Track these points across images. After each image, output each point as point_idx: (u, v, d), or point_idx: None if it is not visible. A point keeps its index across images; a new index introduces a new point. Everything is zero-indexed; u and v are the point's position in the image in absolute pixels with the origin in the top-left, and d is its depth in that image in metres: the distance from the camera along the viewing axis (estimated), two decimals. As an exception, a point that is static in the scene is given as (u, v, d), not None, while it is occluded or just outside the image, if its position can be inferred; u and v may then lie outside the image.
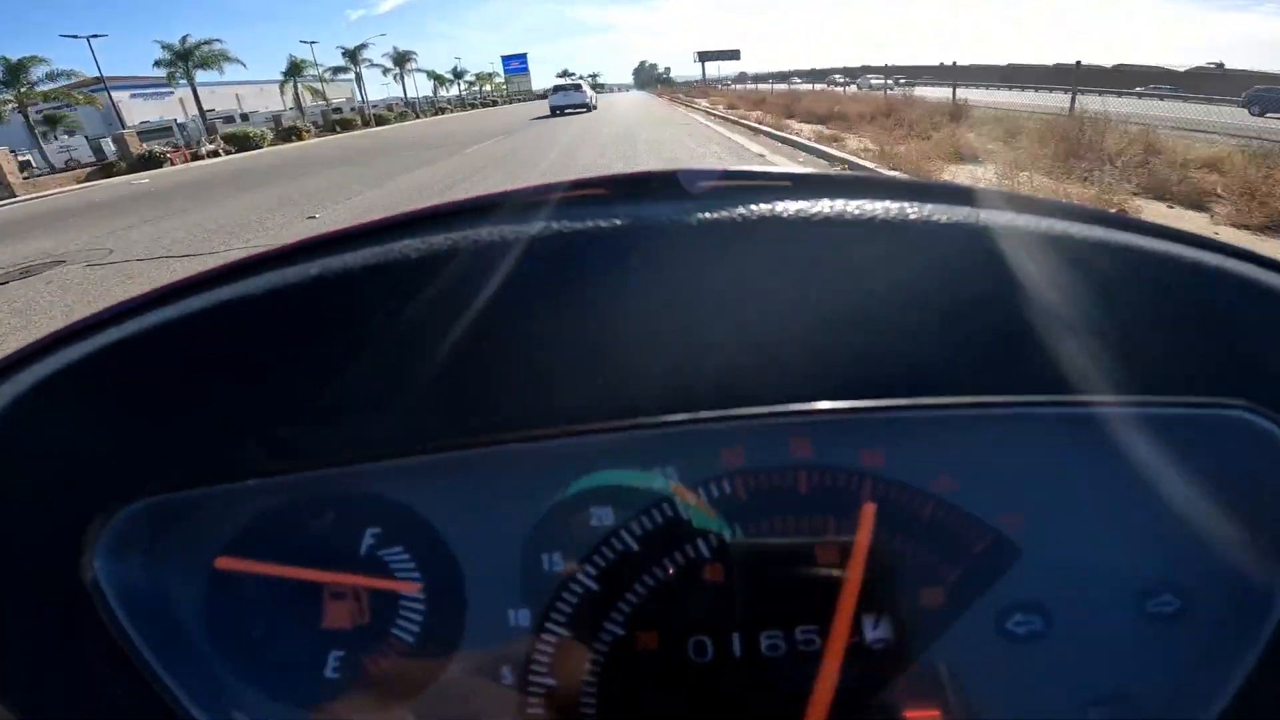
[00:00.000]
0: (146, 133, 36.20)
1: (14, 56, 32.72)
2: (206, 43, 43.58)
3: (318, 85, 59.92)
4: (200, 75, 45.46)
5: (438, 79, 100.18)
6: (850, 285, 0.30)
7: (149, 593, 0.32)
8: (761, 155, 9.45)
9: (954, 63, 12.83)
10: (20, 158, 30.34)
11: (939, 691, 0.31)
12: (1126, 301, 0.29)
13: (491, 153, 13.67)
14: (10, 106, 33.25)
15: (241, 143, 32.46)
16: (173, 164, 28.47)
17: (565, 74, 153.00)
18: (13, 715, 0.30)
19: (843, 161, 7.95)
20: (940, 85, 15.56)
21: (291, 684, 0.33)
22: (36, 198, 18.28)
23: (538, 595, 0.33)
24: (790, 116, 14.85)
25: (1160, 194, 5.50)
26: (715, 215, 0.30)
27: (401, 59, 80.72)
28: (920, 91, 13.64)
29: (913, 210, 0.30)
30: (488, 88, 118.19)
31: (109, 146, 30.00)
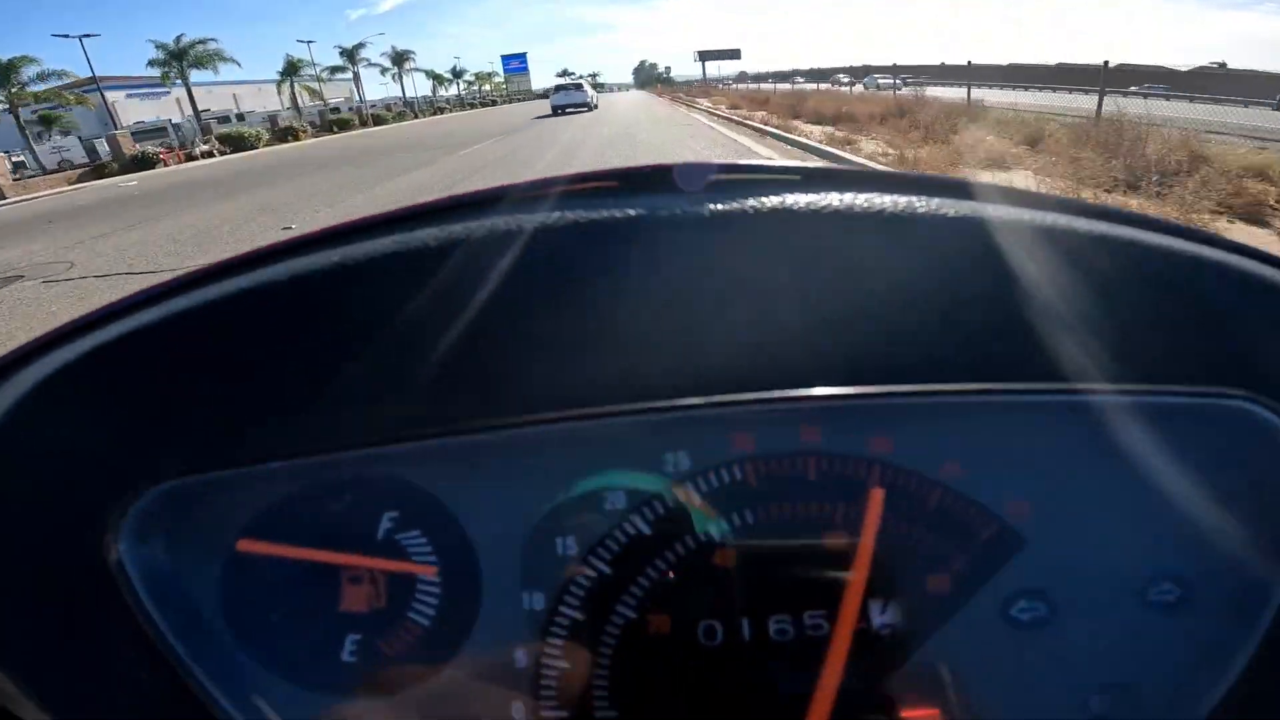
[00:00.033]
0: (141, 133, 35.73)
1: (4, 56, 32.23)
2: (201, 42, 43.10)
3: (315, 85, 59.42)
4: (196, 75, 45.08)
5: (436, 78, 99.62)
6: (860, 275, 0.30)
7: (171, 576, 0.32)
8: (770, 160, 8.96)
9: (968, 62, 12.33)
10: (14, 158, 29.95)
11: (939, 691, 0.32)
12: (1130, 294, 0.30)
13: (490, 154, 13.28)
14: (1, 107, 32.74)
15: (237, 143, 32.03)
16: (166, 165, 28.03)
17: (565, 73, 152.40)
18: (37, 701, 0.31)
19: (859, 167, 7.49)
20: (948, 85, 15.09)
21: (308, 667, 0.33)
22: (25, 200, 17.83)
23: (551, 579, 0.33)
24: (796, 117, 14.37)
25: (1253, 215, 4.86)
26: (728, 206, 0.31)
27: (400, 58, 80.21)
28: (932, 92, 13.14)
29: (921, 204, 0.31)
30: (487, 87, 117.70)
31: (103, 147, 29.47)
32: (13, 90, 32.33)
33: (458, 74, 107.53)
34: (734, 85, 42.52)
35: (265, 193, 10.81)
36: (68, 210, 12.30)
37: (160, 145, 31.04)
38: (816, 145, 9.41)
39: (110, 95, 58.74)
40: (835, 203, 0.31)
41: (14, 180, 22.12)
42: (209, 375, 0.31)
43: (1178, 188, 5.12)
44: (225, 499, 0.33)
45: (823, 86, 23.43)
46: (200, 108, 48.52)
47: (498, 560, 0.33)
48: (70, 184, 24.40)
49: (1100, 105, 8.44)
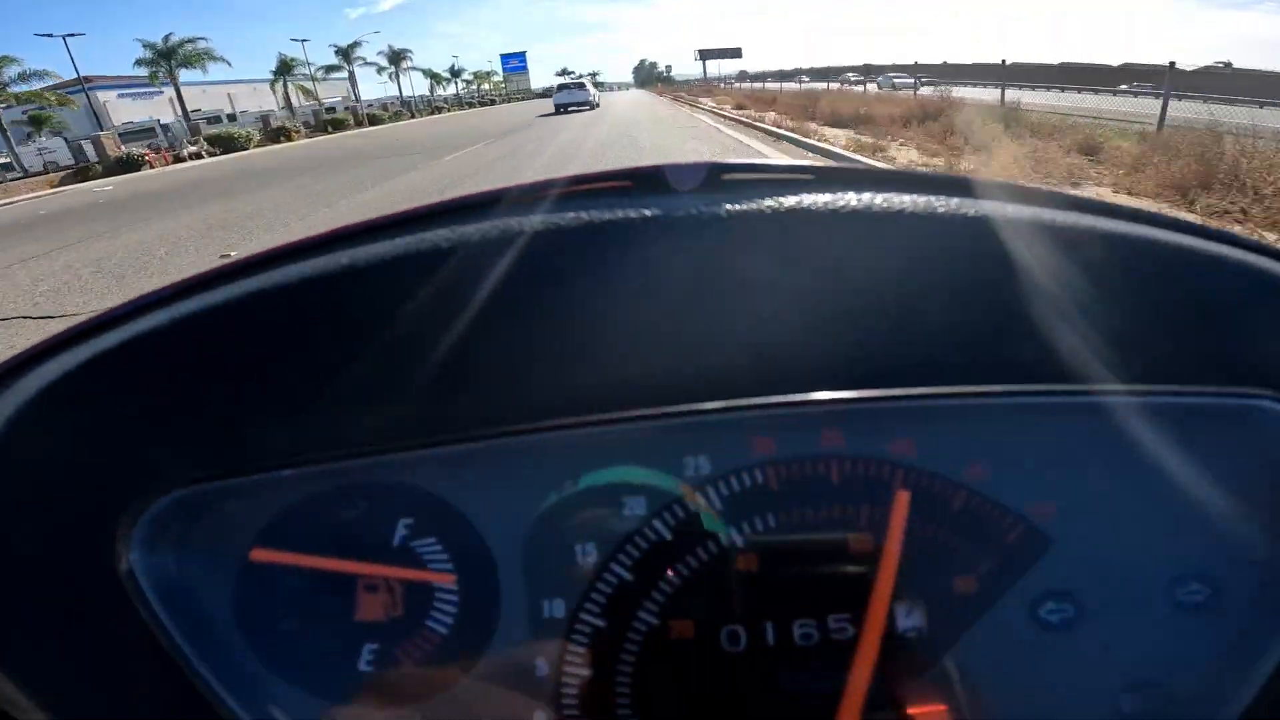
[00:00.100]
0: (129, 134, 34.84)
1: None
2: (190, 41, 42.14)
3: (309, 84, 58.41)
4: (190, 75, 44.20)
5: (434, 77, 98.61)
6: (880, 276, 0.30)
7: (182, 584, 0.32)
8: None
9: (1003, 61, 11.34)
10: (1, 159, 29.00)
11: (947, 688, 0.31)
12: (1152, 294, 0.30)
13: (482, 158, 12.34)
14: (-19, 108, 31.79)
15: (226, 144, 31.22)
16: (152, 167, 27.23)
17: (564, 72, 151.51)
18: (48, 711, 0.30)
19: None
20: (966, 85, 14.08)
21: (325, 677, 0.33)
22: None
23: (571, 586, 0.33)
24: (810, 118, 13.37)
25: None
26: (744, 207, 0.31)
27: (396, 57, 79.22)
28: (959, 93, 12.16)
29: (940, 204, 0.31)
30: (486, 86, 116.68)
31: (90, 149, 28.49)
32: (-8, 91, 31.38)
33: (456, 73, 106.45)
34: (736, 84, 41.47)
35: (225, 205, 9.87)
36: (26, 220, 11.41)
37: (148, 146, 30.22)
38: (842, 152, 8.45)
39: (102, 95, 57.83)
40: (854, 203, 0.31)
41: (-7, 183, 21.21)
42: (217, 381, 0.30)
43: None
44: (237, 507, 0.33)
45: (832, 86, 22.37)
46: (196, 108, 47.79)
47: (517, 567, 0.33)
48: (52, 187, 23.57)
49: (1164, 112, 7.44)
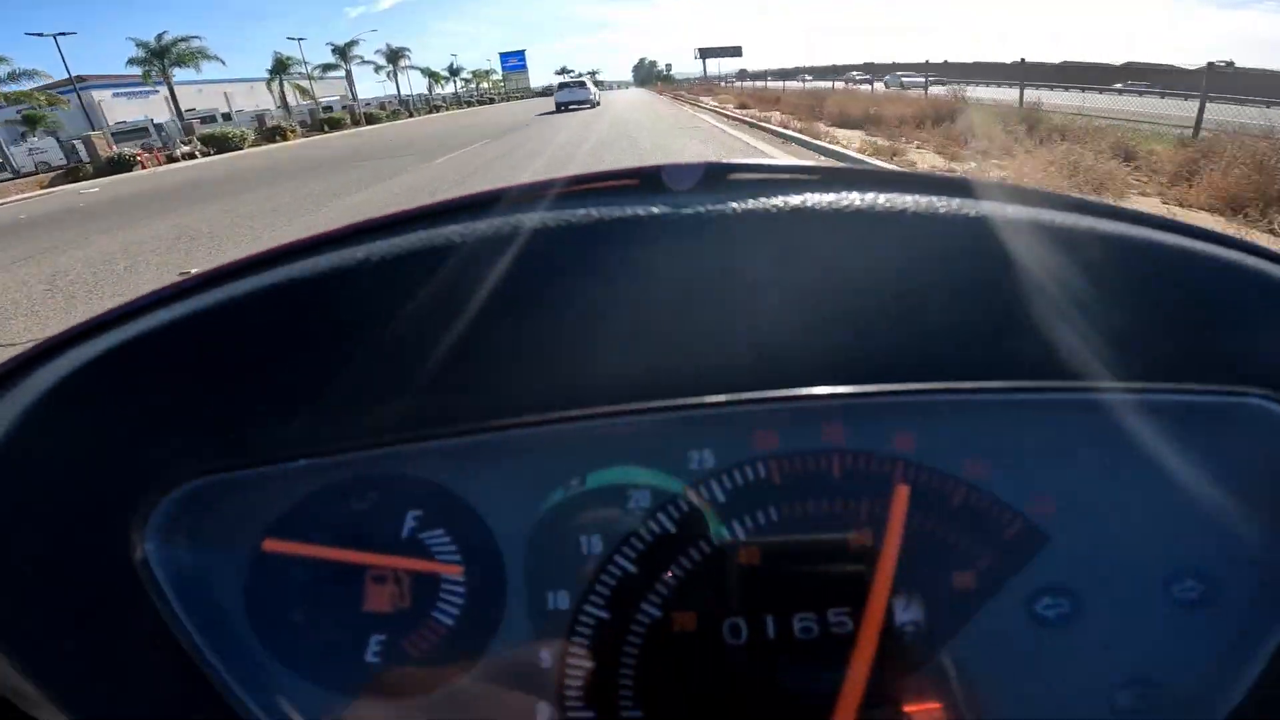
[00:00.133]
0: (122, 133, 34.39)
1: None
2: (184, 39, 41.63)
3: (305, 83, 57.85)
4: (184, 73, 43.72)
5: (433, 76, 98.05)
6: (882, 275, 0.31)
7: (195, 575, 0.32)
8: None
9: (1021, 60, 10.82)
10: (-8, 159, 28.59)
11: (943, 685, 0.32)
12: (1149, 294, 0.31)
13: (483, 157, 11.86)
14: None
15: (221, 144, 30.79)
16: (144, 167, 26.78)
17: (564, 71, 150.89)
18: (60, 702, 0.31)
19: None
20: (976, 85, 13.58)
21: (332, 667, 0.33)
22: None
23: (576, 578, 0.33)
24: (817, 118, 12.87)
25: None
26: (748, 206, 0.31)
27: (394, 55, 78.65)
28: (972, 92, 11.65)
29: (941, 204, 0.31)
30: (485, 85, 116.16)
31: (83, 148, 28.02)
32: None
33: (454, 72, 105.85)
34: (737, 83, 40.87)
35: (199, 212, 9.36)
36: (6, 225, 10.95)
37: (141, 146, 29.75)
38: (855, 155, 7.97)
39: (97, 94, 57.30)
40: (857, 202, 0.31)
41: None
42: (229, 374, 0.31)
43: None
44: (249, 498, 0.33)
45: (837, 85, 21.80)
46: (191, 107, 47.24)
47: (522, 559, 0.33)
48: (42, 188, 23.14)
49: (1201, 114, 6.95)
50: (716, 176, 0.33)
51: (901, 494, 0.32)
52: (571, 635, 0.33)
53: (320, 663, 0.33)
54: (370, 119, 45.90)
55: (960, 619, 0.32)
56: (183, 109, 44.25)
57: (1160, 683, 0.32)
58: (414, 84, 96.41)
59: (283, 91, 53.78)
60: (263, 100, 58.46)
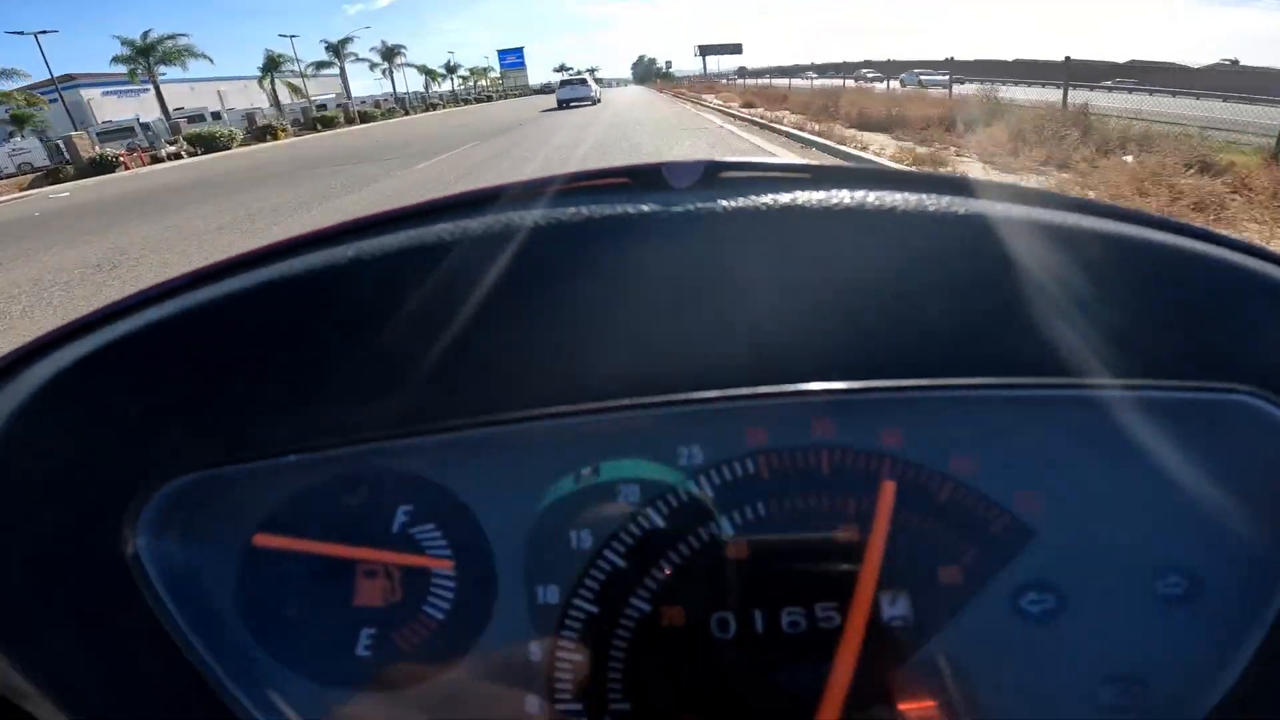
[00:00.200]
0: (108, 133, 33.44)
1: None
2: (170, 37, 40.55)
3: (298, 81, 56.79)
4: (178, 72, 42.68)
5: (429, 74, 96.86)
6: (871, 273, 0.31)
7: (187, 570, 0.32)
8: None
9: (1066, 58, 9.75)
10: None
11: (938, 682, 0.32)
12: (1137, 291, 0.31)
13: (472, 159, 10.88)
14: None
15: (208, 144, 29.95)
16: (127, 168, 25.86)
17: (563, 68, 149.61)
18: (52, 693, 0.31)
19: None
20: (1004, 83, 12.57)
21: (323, 661, 0.33)
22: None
23: (566, 572, 0.33)
24: (833, 120, 11.85)
25: None
26: (739, 203, 0.31)
27: (390, 53, 77.49)
28: (1007, 92, 10.64)
29: (930, 202, 0.32)
30: (483, 83, 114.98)
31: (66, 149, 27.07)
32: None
33: (451, 69, 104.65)
34: (738, 81, 39.77)
35: (149, 226, 8.40)
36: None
37: (126, 146, 28.81)
38: (896, 168, 6.94)
39: (86, 93, 56.26)
40: (847, 200, 0.31)
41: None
42: (223, 370, 0.31)
43: None
44: (240, 493, 0.33)
45: (848, 84, 20.71)
46: (179, 106, 46.20)
47: (512, 554, 0.33)
48: (21, 190, 22.25)
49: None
50: (710, 175, 0.33)
51: (888, 490, 0.32)
52: (561, 629, 0.33)
53: (311, 657, 0.33)
54: (365, 117, 45.09)
55: (946, 614, 0.32)
56: (175, 107, 43.31)
57: (1144, 679, 0.32)
58: (410, 82, 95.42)
59: (274, 90, 52.67)
60: (257, 98, 57.36)
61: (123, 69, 41.38)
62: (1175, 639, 0.32)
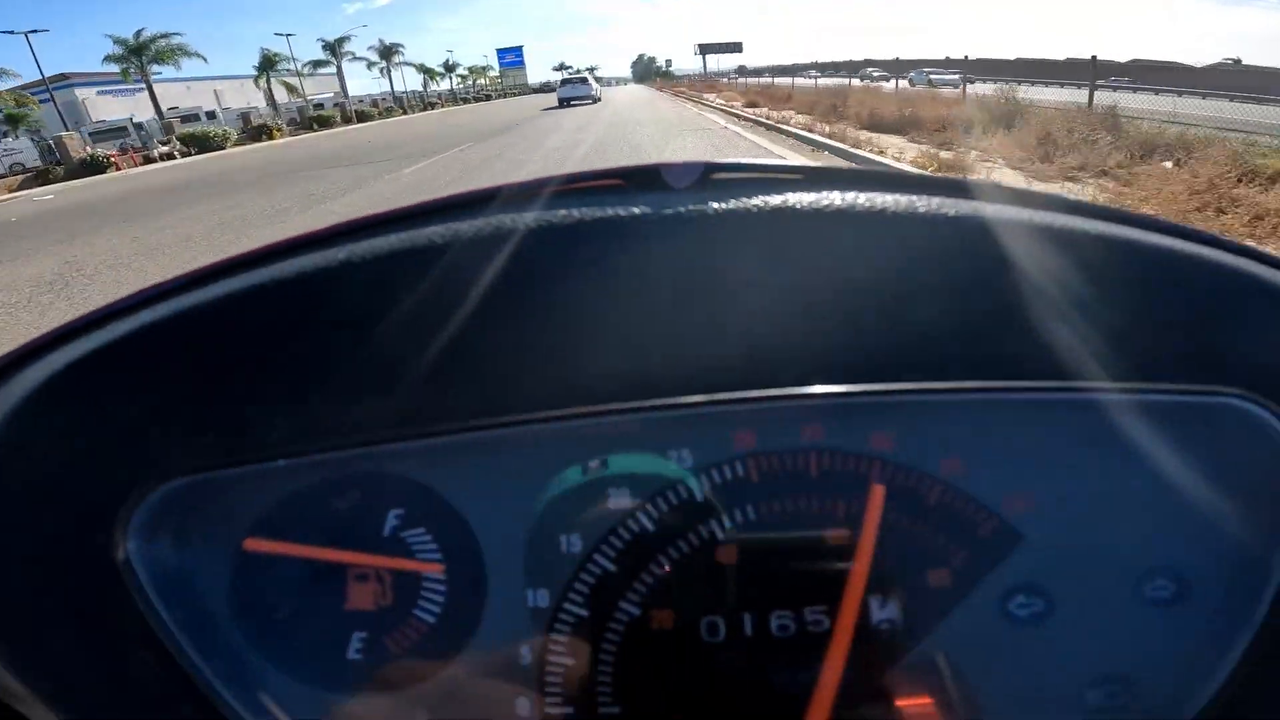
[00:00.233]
0: (100, 133, 33.01)
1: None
2: (163, 36, 40.04)
3: (294, 80, 56.24)
4: (173, 70, 42.17)
5: (428, 73, 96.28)
6: (862, 275, 0.31)
7: (178, 574, 0.32)
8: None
9: (1092, 57, 9.25)
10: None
11: (935, 680, 0.32)
12: (1127, 293, 0.31)
13: (465, 162, 10.40)
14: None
15: (201, 144, 29.50)
16: (118, 169, 25.44)
17: (562, 67, 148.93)
18: (45, 699, 0.31)
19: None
20: (1021, 83, 12.05)
21: (314, 665, 0.34)
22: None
23: (556, 576, 0.33)
24: (842, 120, 11.35)
25: None
26: (729, 205, 0.31)
27: (388, 52, 76.93)
28: (1026, 93, 10.12)
29: (920, 203, 0.31)
30: (482, 81, 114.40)
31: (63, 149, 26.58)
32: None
33: (450, 68, 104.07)
34: (738, 79, 39.20)
35: (114, 236, 7.94)
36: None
37: (119, 146, 28.36)
38: (917, 173, 6.44)
39: (81, 92, 55.82)
40: (837, 201, 0.31)
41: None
42: (216, 373, 0.31)
43: None
44: (232, 497, 0.33)
45: (853, 82, 20.17)
46: (184, 104, 45.69)
47: (503, 557, 0.33)
48: (10, 191, 21.81)
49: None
50: (703, 176, 0.33)
51: (877, 493, 0.32)
52: (551, 633, 0.33)
53: (303, 660, 0.33)
54: (362, 116, 44.66)
55: (935, 617, 0.32)
56: (170, 106, 42.76)
57: (1131, 681, 0.32)
58: (409, 81, 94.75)
59: (269, 89, 52.16)
60: (254, 98, 56.76)
61: (115, 68, 40.81)
62: (1163, 641, 0.32)
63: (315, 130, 36.96)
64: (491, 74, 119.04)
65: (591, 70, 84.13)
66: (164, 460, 0.31)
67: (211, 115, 40.73)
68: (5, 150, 30.18)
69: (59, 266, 6.53)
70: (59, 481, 0.31)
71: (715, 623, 0.32)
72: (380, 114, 48.58)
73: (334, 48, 64.69)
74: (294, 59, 57.23)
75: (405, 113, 53.82)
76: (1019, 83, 10.72)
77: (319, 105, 46.85)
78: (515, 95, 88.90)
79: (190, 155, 28.03)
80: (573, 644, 0.33)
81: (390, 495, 0.34)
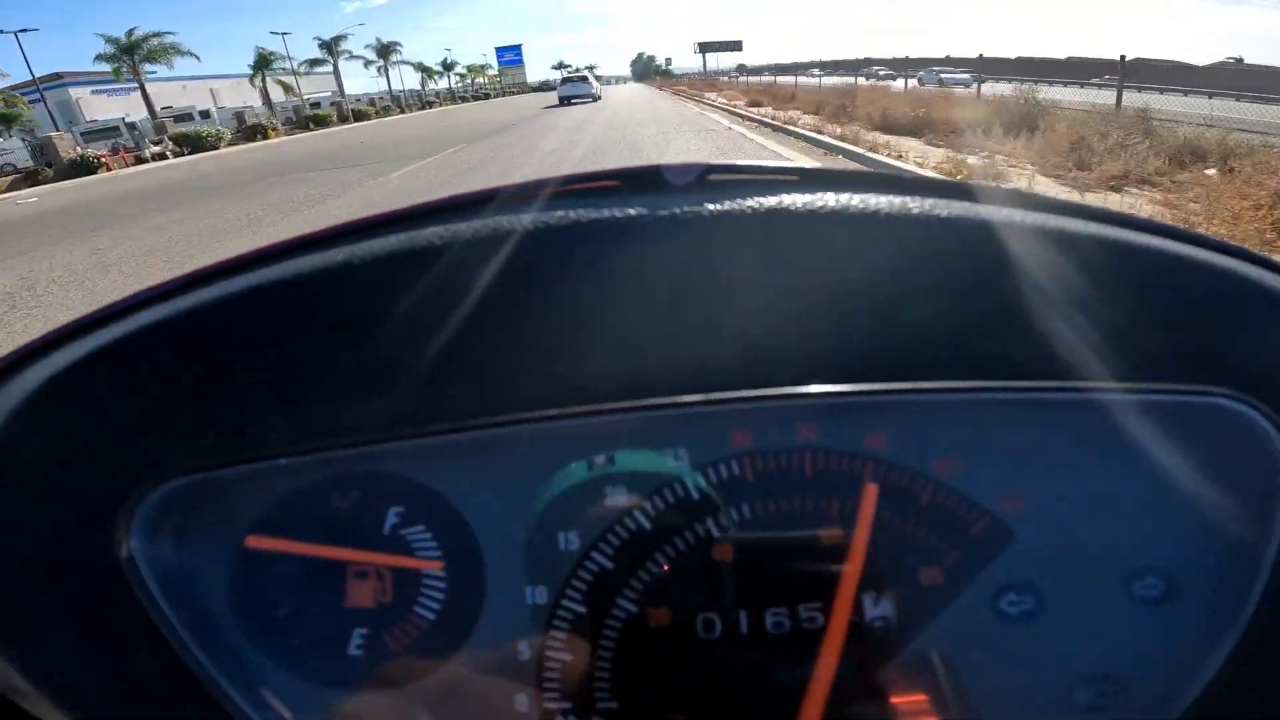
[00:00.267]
0: (93, 133, 32.49)
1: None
2: (156, 35, 39.44)
3: (290, 79, 55.64)
4: (173, 69, 41.63)
5: (425, 71, 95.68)
6: (857, 276, 0.31)
7: (180, 572, 0.33)
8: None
9: (1121, 57, 8.70)
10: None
11: (929, 677, 0.32)
12: (1118, 293, 0.31)
13: (452, 168, 9.91)
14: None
15: (194, 144, 28.99)
16: (109, 169, 24.96)
17: (561, 65, 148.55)
18: (50, 697, 0.31)
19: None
20: (1038, 83, 11.55)
21: (315, 662, 0.34)
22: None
23: (554, 573, 0.33)
24: (851, 121, 10.85)
25: None
26: (724, 206, 0.32)
27: (385, 50, 76.30)
28: (1048, 93, 9.61)
29: (915, 204, 0.32)
30: (480, 80, 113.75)
31: (55, 149, 26.05)
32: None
33: (448, 66, 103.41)
34: (738, 78, 38.65)
35: (80, 246, 7.48)
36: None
37: (111, 147, 27.86)
38: (943, 180, 5.92)
39: (75, 91, 55.26)
40: (831, 203, 0.31)
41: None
42: (217, 373, 0.31)
43: None
44: (233, 496, 0.33)
45: (859, 82, 19.61)
46: (180, 104, 45.15)
47: (502, 555, 0.34)
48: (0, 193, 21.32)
49: None
50: (700, 178, 0.33)
51: (870, 492, 0.32)
52: (550, 630, 0.33)
53: (305, 656, 0.34)
54: (359, 116, 44.19)
55: (928, 615, 0.32)
56: (164, 106, 42.24)
57: (1120, 679, 0.32)
58: (406, 79, 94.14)
59: (265, 88, 51.61)
60: (250, 97, 56.21)
61: (107, 67, 40.26)
62: (1152, 640, 0.32)
63: (311, 129, 36.62)
64: (490, 73, 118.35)
65: (591, 69, 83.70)
66: (164, 460, 0.31)
67: (206, 115, 40.03)
68: (-2, 150, 29.62)
69: (11, 283, 6.03)
70: (60, 481, 0.31)
71: (711, 620, 0.32)
72: (377, 113, 48.07)
73: (330, 46, 64.10)
74: (289, 58, 56.62)
75: (403, 112, 53.31)
76: (1036, 82, 10.21)
77: (315, 104, 46.33)
78: (514, 94, 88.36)
79: (183, 155, 27.55)
80: (571, 641, 0.33)
81: (390, 494, 0.34)
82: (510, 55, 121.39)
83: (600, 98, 34.09)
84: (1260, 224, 3.95)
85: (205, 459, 0.31)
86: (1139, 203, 4.91)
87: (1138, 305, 0.31)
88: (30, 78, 40.09)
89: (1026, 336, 0.30)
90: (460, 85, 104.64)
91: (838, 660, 0.31)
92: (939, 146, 7.88)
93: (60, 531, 0.31)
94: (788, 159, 7.87)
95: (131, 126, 33.32)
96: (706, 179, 0.33)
